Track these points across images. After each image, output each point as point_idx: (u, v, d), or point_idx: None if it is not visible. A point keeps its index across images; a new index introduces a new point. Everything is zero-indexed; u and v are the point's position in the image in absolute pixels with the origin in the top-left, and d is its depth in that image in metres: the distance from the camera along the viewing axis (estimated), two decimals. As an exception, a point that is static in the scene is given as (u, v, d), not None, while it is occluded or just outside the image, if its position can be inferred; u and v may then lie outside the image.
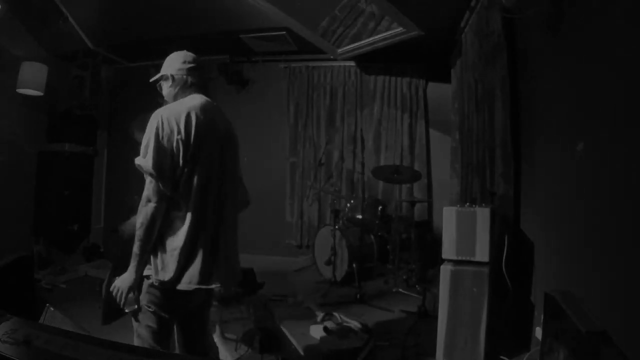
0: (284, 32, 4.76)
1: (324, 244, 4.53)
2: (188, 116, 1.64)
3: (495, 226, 2.53)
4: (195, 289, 1.63)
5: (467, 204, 2.66)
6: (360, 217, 4.60)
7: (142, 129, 2.63)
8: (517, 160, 2.89)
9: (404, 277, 4.26)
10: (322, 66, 5.68)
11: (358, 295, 3.73)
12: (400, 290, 4.00)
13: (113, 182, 6.00)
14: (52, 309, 2.19)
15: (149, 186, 1.60)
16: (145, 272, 1.65)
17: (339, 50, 4.93)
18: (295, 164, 5.73)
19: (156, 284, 1.62)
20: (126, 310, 1.67)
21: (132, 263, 1.62)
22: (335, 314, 3.16)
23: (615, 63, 1.71)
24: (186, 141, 1.62)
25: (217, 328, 2.83)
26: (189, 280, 1.63)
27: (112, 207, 5.93)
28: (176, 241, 1.61)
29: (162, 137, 1.60)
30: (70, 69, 5.16)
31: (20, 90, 4.48)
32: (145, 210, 1.59)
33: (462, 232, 2.49)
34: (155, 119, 1.62)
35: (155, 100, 1.87)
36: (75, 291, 3.90)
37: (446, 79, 5.00)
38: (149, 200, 1.59)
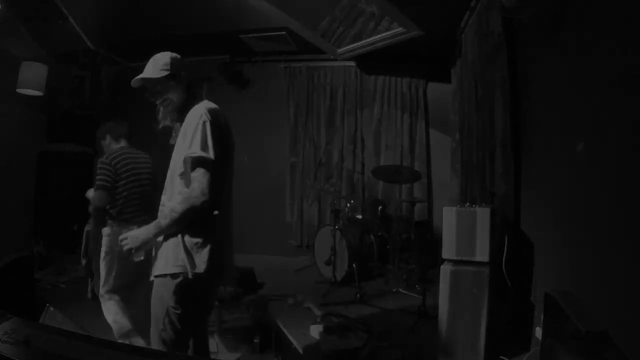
0: (284, 32, 4.76)
1: (324, 244, 4.53)
2: (222, 114, 1.72)
3: (495, 226, 2.53)
4: (219, 282, 1.70)
5: (467, 204, 2.66)
6: (360, 217, 4.60)
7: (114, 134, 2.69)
8: (517, 160, 2.88)
9: (404, 277, 4.26)
10: (322, 66, 5.68)
11: (358, 295, 3.73)
12: (400, 290, 4.00)
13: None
14: (52, 309, 2.18)
15: (203, 179, 1.57)
16: (174, 270, 1.61)
17: (339, 50, 4.93)
18: (295, 164, 5.73)
19: (191, 277, 1.59)
20: (135, 260, 1.68)
21: (153, 230, 1.63)
22: (335, 314, 3.16)
23: (615, 63, 1.71)
24: (227, 136, 1.70)
25: (217, 328, 2.83)
26: (219, 273, 1.69)
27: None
28: (210, 234, 1.64)
29: (215, 129, 1.62)
30: (70, 69, 5.17)
31: (20, 90, 4.48)
32: (192, 202, 1.57)
33: (462, 232, 2.49)
34: (199, 113, 1.63)
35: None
36: (75, 291, 3.90)
37: (446, 79, 4.99)
38: (203, 194, 1.57)
